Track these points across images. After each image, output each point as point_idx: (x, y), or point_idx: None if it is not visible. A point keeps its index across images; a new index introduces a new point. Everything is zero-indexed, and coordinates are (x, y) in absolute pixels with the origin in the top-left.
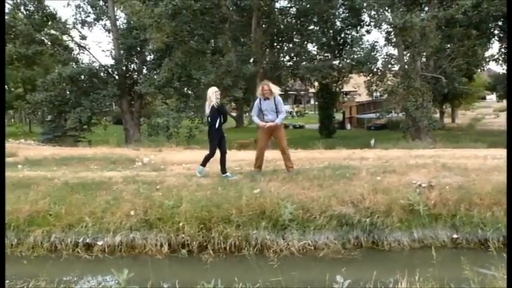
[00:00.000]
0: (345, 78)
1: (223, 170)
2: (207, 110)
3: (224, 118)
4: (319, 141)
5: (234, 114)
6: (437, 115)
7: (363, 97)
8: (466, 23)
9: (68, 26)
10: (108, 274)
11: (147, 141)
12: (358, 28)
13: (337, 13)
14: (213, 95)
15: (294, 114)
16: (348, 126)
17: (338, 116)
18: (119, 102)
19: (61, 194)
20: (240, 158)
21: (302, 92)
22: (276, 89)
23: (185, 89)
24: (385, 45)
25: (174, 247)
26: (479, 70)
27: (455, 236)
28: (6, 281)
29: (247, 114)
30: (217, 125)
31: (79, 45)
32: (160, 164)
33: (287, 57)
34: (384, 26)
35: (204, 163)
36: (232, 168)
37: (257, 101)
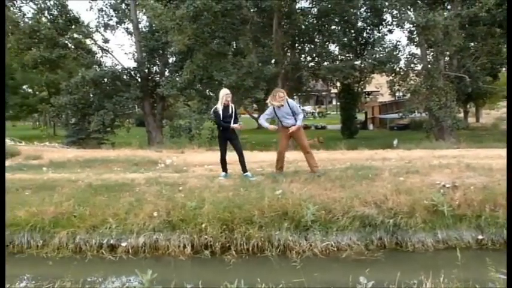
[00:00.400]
0: (367, 78)
1: (244, 169)
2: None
3: (216, 122)
4: (341, 141)
5: (255, 115)
6: (461, 115)
7: (386, 97)
8: (490, 21)
9: (90, 29)
10: (132, 275)
11: (170, 143)
12: (380, 28)
13: (358, 13)
14: (221, 97)
15: (316, 115)
16: (371, 126)
17: (360, 117)
18: (142, 105)
19: (85, 196)
20: (260, 159)
21: (324, 93)
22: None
23: (207, 90)
24: (407, 44)
25: (197, 248)
26: (503, 69)
27: (480, 237)
28: (32, 282)
29: None
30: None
31: (102, 49)
32: (183, 165)
33: (308, 58)
34: (406, 25)
35: (222, 168)
36: (253, 169)
37: (271, 109)
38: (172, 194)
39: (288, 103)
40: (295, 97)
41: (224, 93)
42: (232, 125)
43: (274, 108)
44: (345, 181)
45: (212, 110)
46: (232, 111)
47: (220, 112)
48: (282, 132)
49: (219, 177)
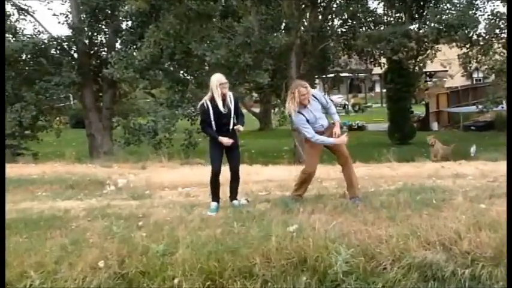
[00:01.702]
0: (428, 52)
1: (235, 195)
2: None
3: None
4: (388, 149)
5: (256, 110)
6: None
7: (457, 80)
8: None
9: None
10: None
11: (124, 153)
12: None
13: None
14: (214, 87)
15: (350, 108)
16: (435, 125)
17: (418, 110)
18: (80, 94)
19: None
20: (265, 176)
21: (361, 75)
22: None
23: (181, 72)
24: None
25: None
26: None
27: None
28: None
29: (276, 110)
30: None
31: (19, 8)
32: (144, 188)
33: (337, 21)
34: None
35: (213, 191)
36: (254, 193)
37: (299, 117)
38: (128, 233)
39: (315, 97)
40: (317, 83)
41: (218, 80)
42: (236, 126)
43: (301, 111)
44: (396, 210)
45: (199, 105)
46: (232, 106)
47: (211, 110)
48: (311, 143)
49: (209, 211)
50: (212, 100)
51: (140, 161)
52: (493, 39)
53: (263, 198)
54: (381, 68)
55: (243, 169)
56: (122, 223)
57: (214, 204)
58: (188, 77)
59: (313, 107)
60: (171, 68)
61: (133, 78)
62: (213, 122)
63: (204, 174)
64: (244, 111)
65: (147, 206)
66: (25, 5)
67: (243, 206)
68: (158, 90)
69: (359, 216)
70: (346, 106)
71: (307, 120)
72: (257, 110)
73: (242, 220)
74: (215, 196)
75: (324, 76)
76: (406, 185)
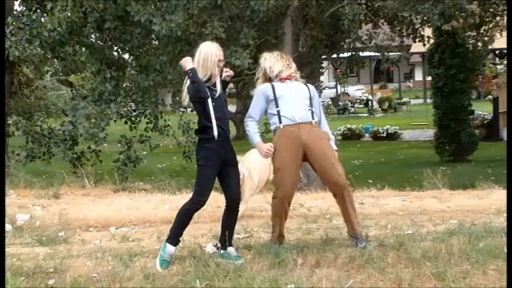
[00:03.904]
0: (497, 19)
1: (230, 239)
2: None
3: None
4: (435, 169)
5: (230, 109)
6: None
7: None
8: None
9: None
10: None
11: (26, 173)
12: None
13: None
14: (210, 61)
15: (375, 105)
16: (505, 132)
17: (482, 109)
18: None
19: None
20: (246, 210)
21: (393, 55)
22: None
23: (115, 49)
24: None
25: None
26: None
27: None
28: None
29: None
30: (214, 132)
31: None
32: (58, 227)
33: None
34: None
35: (176, 231)
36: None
37: (264, 87)
38: None
39: (305, 85)
40: (324, 67)
41: (215, 51)
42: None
43: (272, 87)
44: (446, 264)
45: (187, 82)
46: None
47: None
48: (284, 147)
49: (158, 263)
50: (213, 85)
51: (51, 185)
52: None
53: (242, 244)
54: (424, 45)
55: (213, 200)
56: (23, 282)
57: (171, 249)
58: (126, 57)
59: (295, 88)
60: (99, 43)
61: (41, 58)
62: (213, 120)
63: (150, 205)
64: None
65: (61, 255)
66: None
67: (211, 255)
68: (79, 76)
69: (389, 271)
70: (370, 103)
71: (274, 97)
72: (232, 108)
73: (209, 278)
74: (176, 237)
75: (336, 56)
76: (462, 225)
